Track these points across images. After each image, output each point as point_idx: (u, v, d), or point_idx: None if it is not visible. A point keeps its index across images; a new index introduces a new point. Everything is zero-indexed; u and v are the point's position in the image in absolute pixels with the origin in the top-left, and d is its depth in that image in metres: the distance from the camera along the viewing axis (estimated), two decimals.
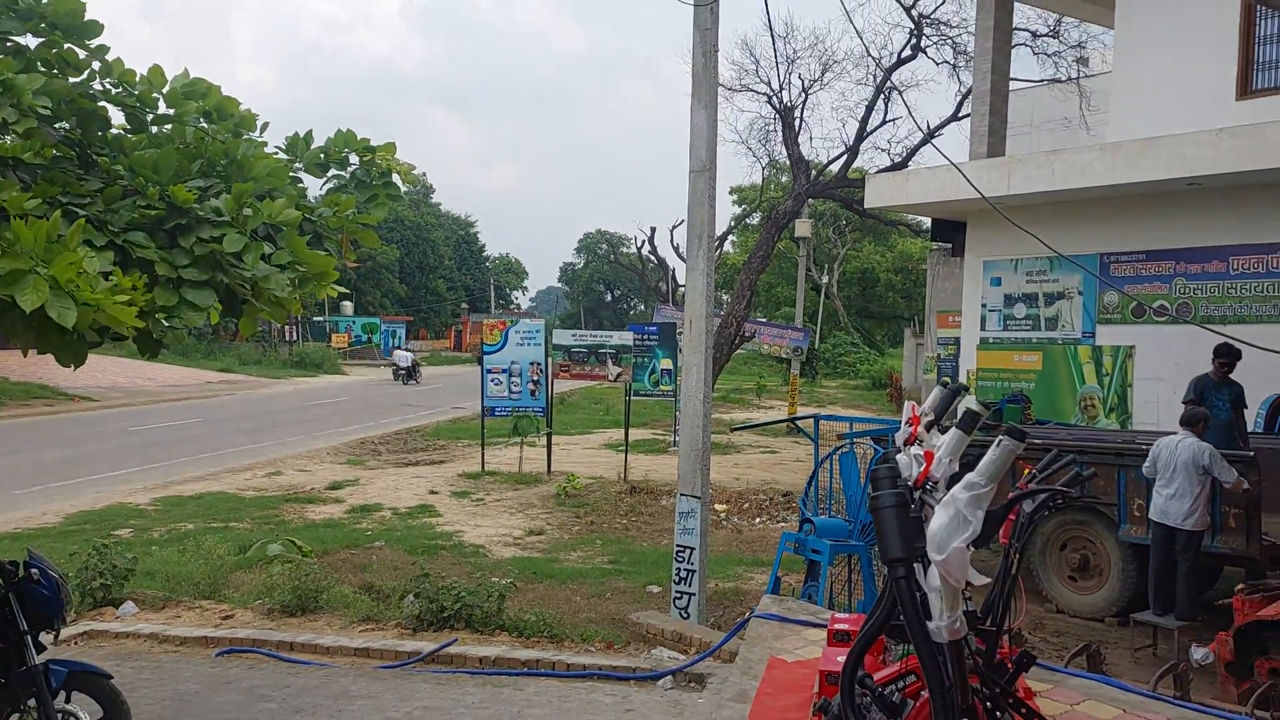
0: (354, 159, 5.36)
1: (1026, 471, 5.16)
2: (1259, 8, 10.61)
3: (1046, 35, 17.42)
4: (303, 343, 47.54)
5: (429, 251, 69.04)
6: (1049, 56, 17.65)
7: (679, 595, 7.27)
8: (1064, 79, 17.50)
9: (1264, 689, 5.27)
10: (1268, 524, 7.35)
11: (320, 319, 54.26)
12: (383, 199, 5.21)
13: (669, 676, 6.07)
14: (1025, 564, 8.49)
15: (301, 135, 5.33)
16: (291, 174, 5.16)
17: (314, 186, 5.46)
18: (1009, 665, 3.53)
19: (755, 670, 4.95)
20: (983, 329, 12.90)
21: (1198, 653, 5.95)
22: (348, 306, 57.53)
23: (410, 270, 67.07)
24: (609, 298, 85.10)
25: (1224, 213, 10.49)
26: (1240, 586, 6.34)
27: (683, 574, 7.25)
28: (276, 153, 5.17)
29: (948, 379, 4.01)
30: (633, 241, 54.46)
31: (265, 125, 5.08)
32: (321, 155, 5.29)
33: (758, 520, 12.37)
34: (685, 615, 7.22)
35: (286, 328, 46.81)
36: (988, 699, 3.06)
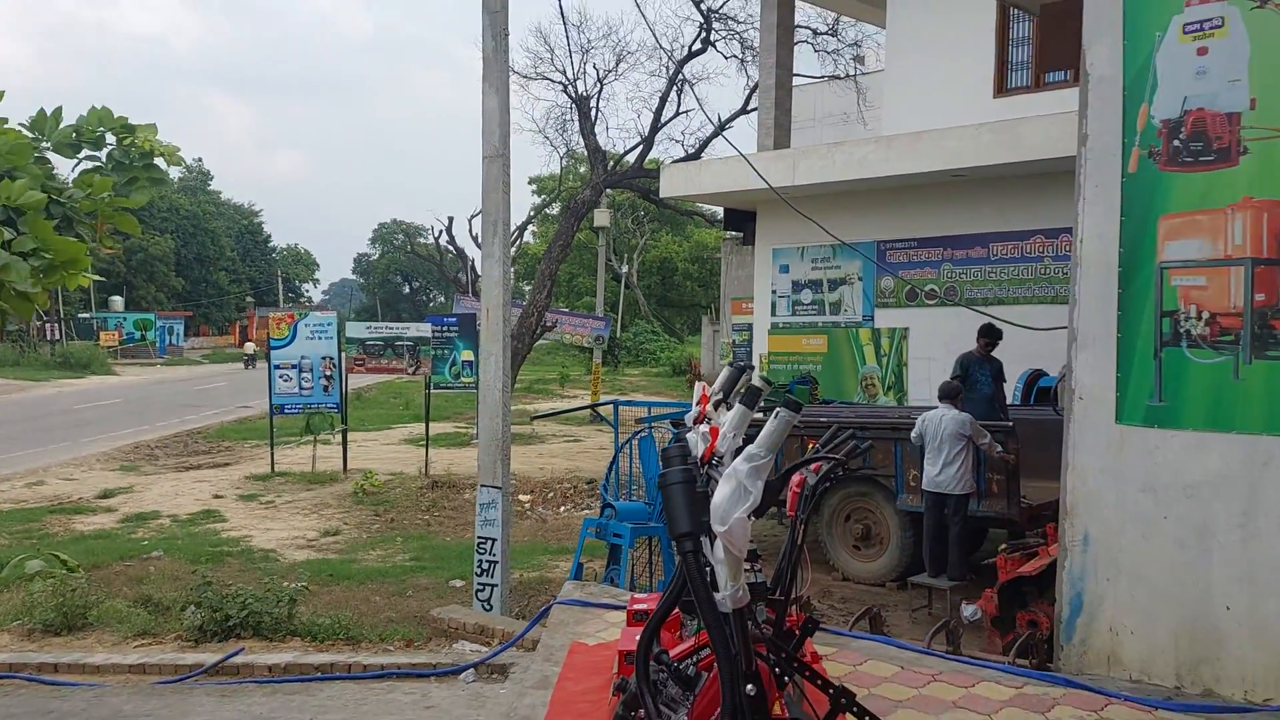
0: (111, 139, 4.94)
1: (810, 447, 5.39)
2: (1013, 11, 11.51)
3: (826, 33, 18.29)
4: (66, 341, 43.70)
5: (208, 242, 65.00)
6: (829, 54, 18.56)
7: (481, 587, 7.17)
8: (843, 76, 18.44)
9: (1024, 639, 5.74)
10: (1026, 488, 8.01)
11: (86, 315, 50.07)
12: (143, 182, 4.82)
13: (471, 670, 5.97)
14: (813, 536, 8.92)
15: (50, 112, 4.86)
16: (37, 153, 4.70)
17: (67, 169, 5.01)
18: (796, 632, 3.66)
19: (557, 656, 4.94)
20: (773, 314, 13.42)
21: (967, 609, 6.41)
22: (117, 302, 53.36)
23: (188, 262, 62.91)
24: (407, 289, 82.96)
25: (985, 202, 11.35)
26: (1003, 547, 6.89)
27: (485, 566, 7.15)
28: (20, 130, 4.69)
29: (742, 363, 4.18)
30: (430, 231, 53.25)
31: None
32: (74, 134, 4.84)
33: (562, 509, 12.39)
34: (488, 607, 7.13)
35: (48, 325, 42.93)
36: (775, 664, 3.16)
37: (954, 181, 11.29)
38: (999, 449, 7.69)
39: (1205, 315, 4.54)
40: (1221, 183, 4.48)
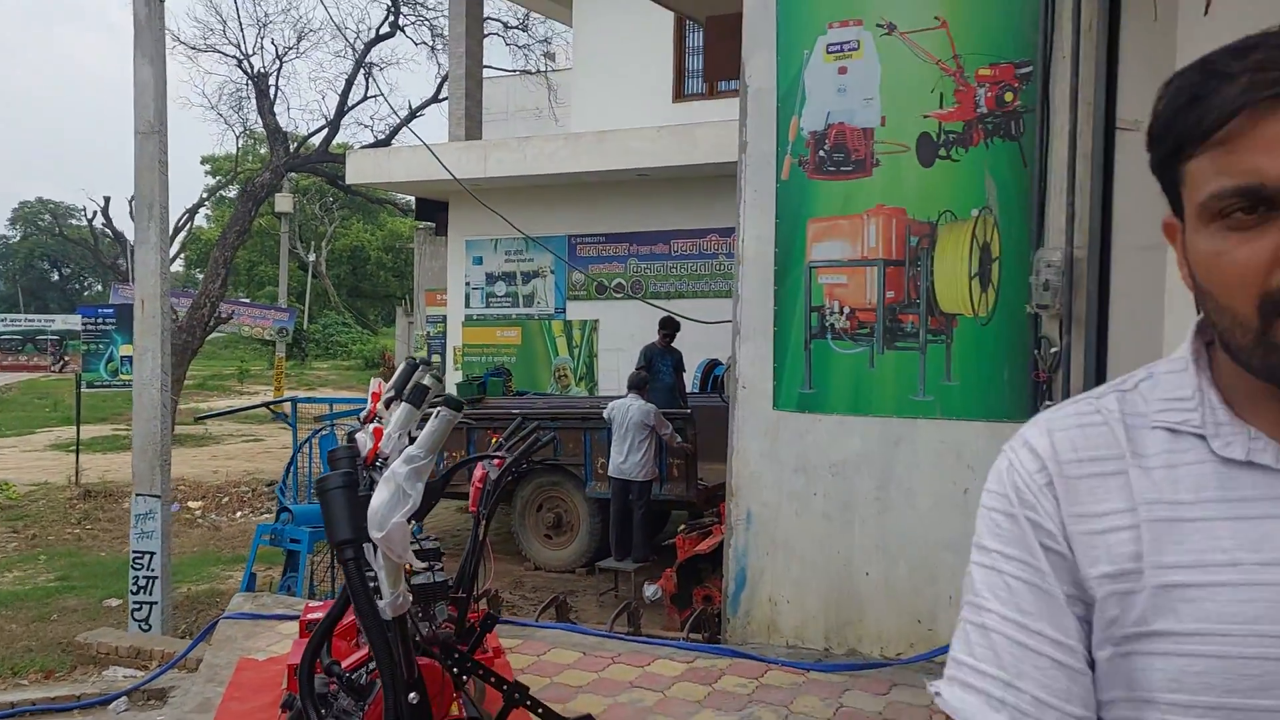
0: None
1: (495, 441, 5.38)
2: (689, 22, 12.13)
3: (516, 28, 18.38)
4: None
5: None
6: (520, 48, 18.65)
7: (138, 606, 6.53)
8: (534, 71, 18.61)
9: (697, 614, 6.08)
10: (704, 470, 8.51)
11: None
12: None
13: (123, 698, 5.43)
14: (506, 527, 8.97)
15: None
16: None
17: None
18: (478, 628, 3.64)
19: (222, 675, 4.60)
20: (467, 306, 13.32)
21: (649, 590, 6.70)
22: None
23: None
24: (56, 276, 73.99)
25: (667, 201, 11.90)
26: (683, 527, 7.27)
27: (142, 582, 6.52)
28: None
29: (416, 359, 4.09)
30: (83, 213, 47.75)
31: None
32: None
33: (238, 514, 11.58)
34: (147, 627, 6.51)
35: None
36: (452, 665, 3.12)
37: (639, 180, 11.74)
38: (679, 439, 8.10)
39: (846, 310, 5.02)
40: (859, 191, 4.97)
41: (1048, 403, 4.50)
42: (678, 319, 9.86)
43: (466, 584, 4.02)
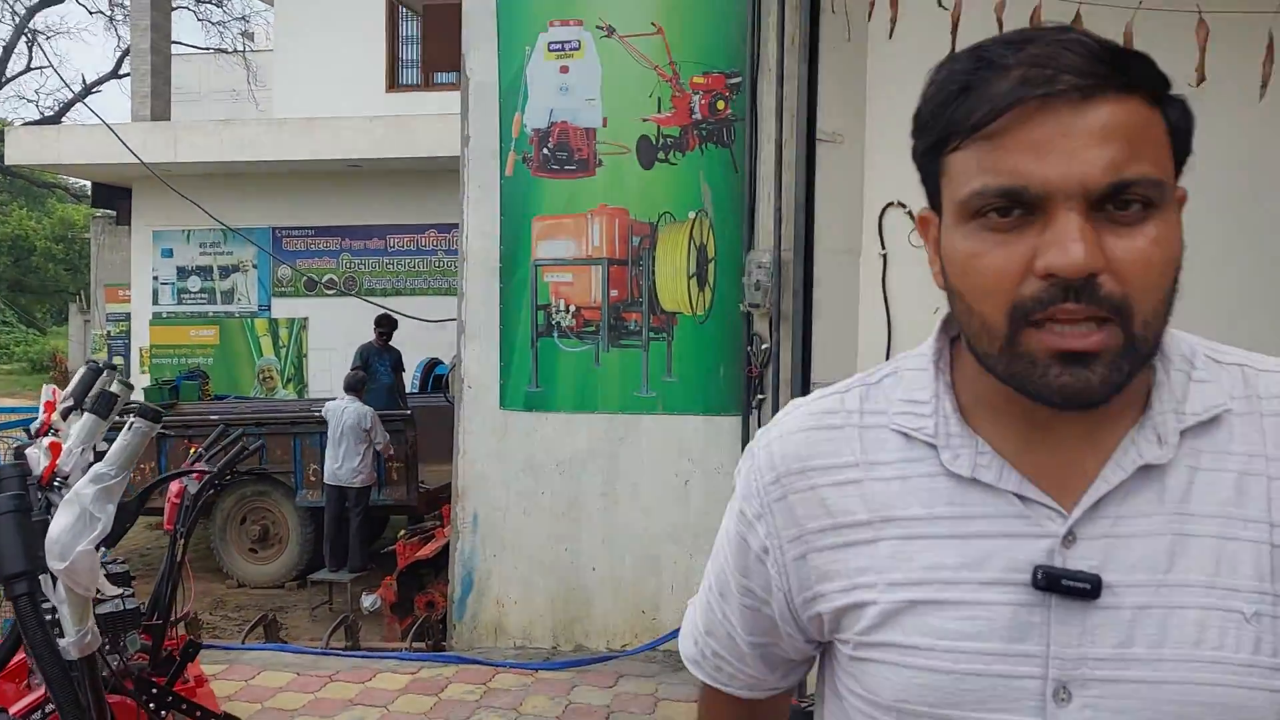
0: None
1: (193, 451, 4.93)
2: (401, 9, 11.77)
3: (210, 3, 17.07)
4: None
5: None
6: (215, 25, 17.35)
7: None
8: (230, 50, 17.36)
9: (420, 622, 5.90)
10: (424, 473, 8.28)
11: None
12: None
13: None
14: (205, 544, 8.27)
15: None
16: None
17: None
18: (177, 657, 3.31)
19: None
20: (156, 303, 12.20)
21: (367, 600, 6.43)
22: None
23: None
24: None
25: (382, 194, 11.48)
26: (403, 533, 7.03)
27: None
28: None
29: (99, 363, 3.59)
30: None
31: None
32: None
33: None
34: None
35: None
36: (148, 701, 2.81)
37: (351, 171, 11.25)
38: (392, 450, 7.84)
39: (572, 309, 5.04)
40: (583, 190, 5.00)
41: (760, 396, 4.76)
42: (395, 316, 9.54)
43: (163, 609, 3.65)
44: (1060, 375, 0.78)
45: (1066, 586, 0.81)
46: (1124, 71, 0.77)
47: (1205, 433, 0.85)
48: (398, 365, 9.60)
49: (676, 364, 4.95)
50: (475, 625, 5.29)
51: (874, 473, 0.90)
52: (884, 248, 4.60)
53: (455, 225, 5.05)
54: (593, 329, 5.05)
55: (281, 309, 12.08)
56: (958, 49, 2.84)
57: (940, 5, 3.48)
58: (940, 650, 0.85)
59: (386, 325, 9.45)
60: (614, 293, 5.00)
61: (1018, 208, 0.78)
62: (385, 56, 12.11)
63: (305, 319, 12.01)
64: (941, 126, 0.82)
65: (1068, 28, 0.80)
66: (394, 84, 12.36)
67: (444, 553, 6.09)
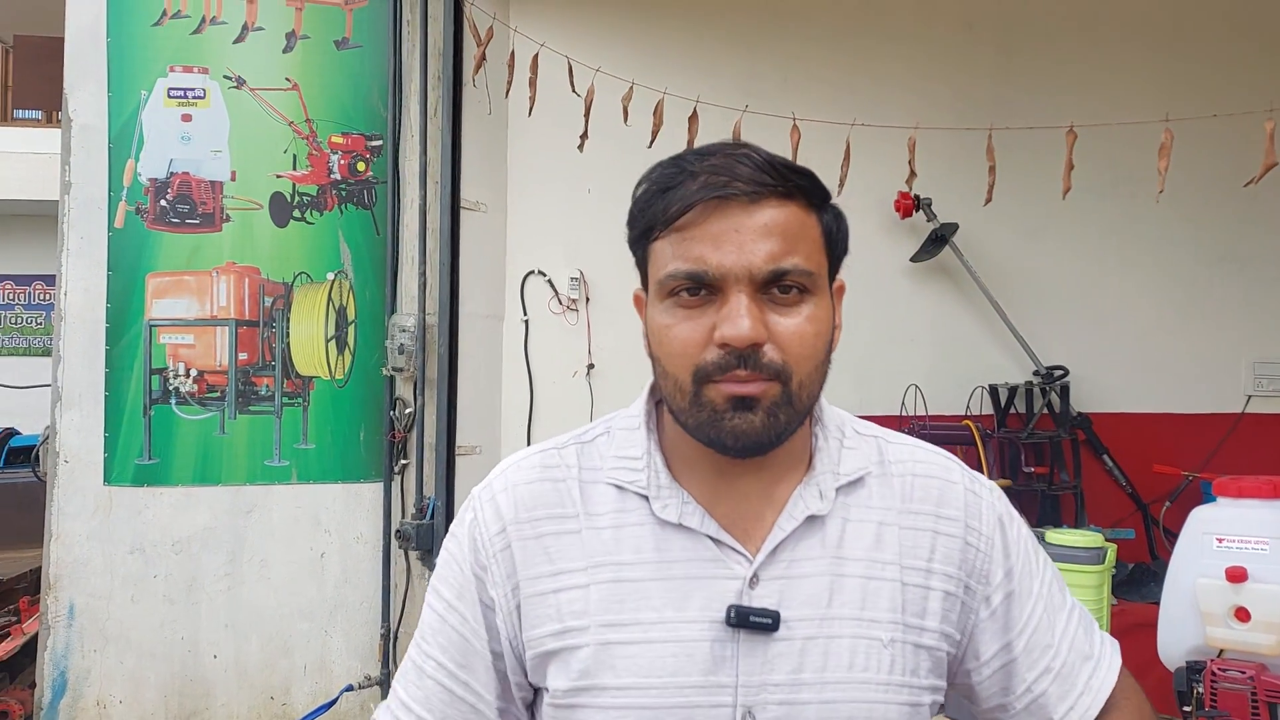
0: None
1: None
2: None
3: None
4: None
5: None
6: None
7: None
8: None
9: None
10: None
11: None
12: None
13: None
14: None
15: None
16: None
17: None
18: None
19: None
20: None
21: None
22: None
23: None
24: None
25: None
26: None
27: None
28: None
29: None
30: None
31: None
32: None
33: None
34: None
35: None
36: None
37: None
38: None
39: (194, 373, 4.66)
40: (208, 246, 4.68)
41: (404, 461, 4.69)
42: None
43: None
44: (732, 419, 0.92)
45: (754, 622, 0.94)
46: (784, 181, 0.95)
47: (853, 491, 1.03)
48: None
49: (313, 430, 4.74)
50: None
51: (591, 523, 1.00)
52: (526, 314, 4.76)
53: (38, 277, 4.50)
54: (217, 394, 4.69)
55: None
56: (589, 132, 3.09)
57: (574, 92, 3.73)
58: (648, 686, 0.94)
59: None
60: (243, 355, 4.70)
61: (703, 288, 0.94)
62: None
63: None
64: (647, 219, 0.97)
65: (745, 144, 0.98)
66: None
67: (22, 652, 5.26)
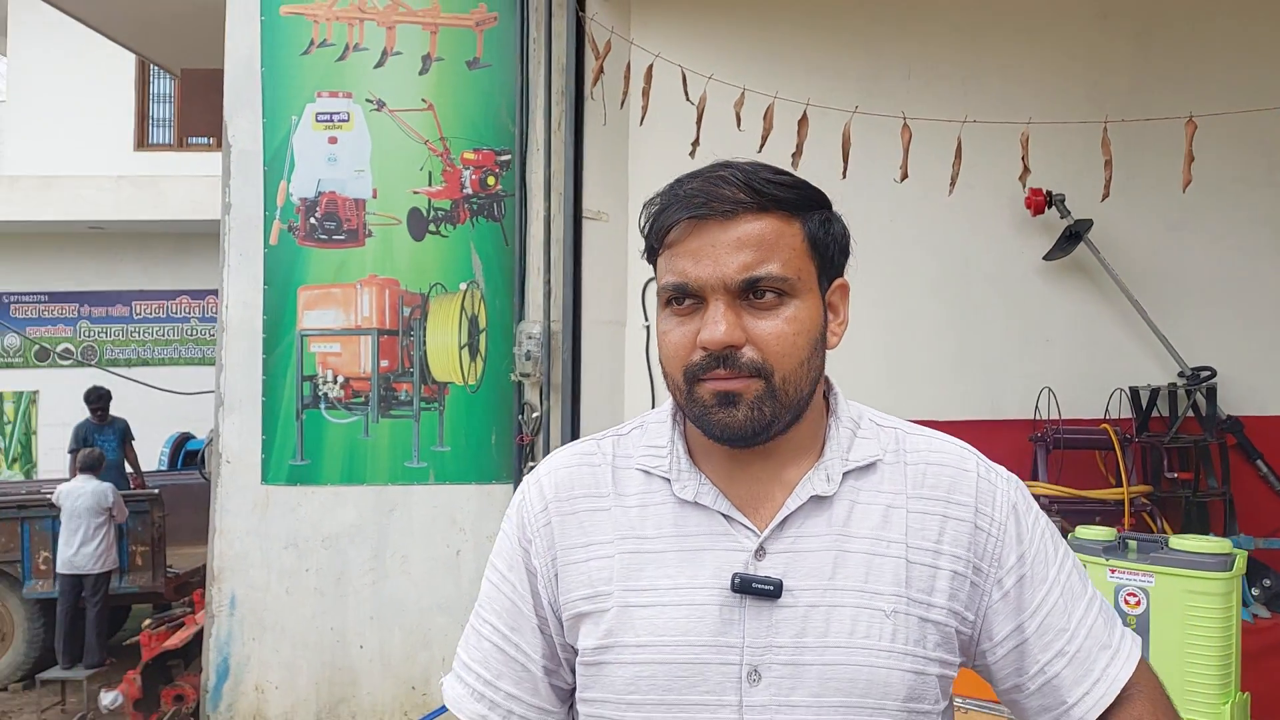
0: None
1: None
2: (154, 67, 11.25)
3: None
4: None
5: None
6: None
7: None
8: None
9: (168, 716, 5.48)
10: (174, 556, 7.72)
11: None
12: None
13: None
14: None
15: None
16: None
17: None
18: None
19: None
20: None
21: (106, 697, 5.89)
22: None
23: None
24: None
25: (127, 258, 10.79)
26: (147, 622, 6.51)
27: None
28: None
29: None
30: None
31: None
32: None
33: None
34: None
35: None
36: None
37: (93, 233, 10.53)
38: (125, 519, 7.25)
39: (340, 379, 4.97)
40: (352, 260, 4.98)
41: (531, 464, 4.86)
42: (105, 388, 8.71)
43: None
44: (718, 413, 1.04)
45: (756, 589, 1.04)
46: (759, 196, 1.04)
47: (863, 475, 1.12)
48: (125, 437, 8.78)
49: (448, 433, 4.97)
50: (232, 714, 4.99)
51: (620, 502, 1.12)
52: (647, 319, 4.86)
53: (210, 292, 4.90)
54: (361, 400, 4.99)
55: (8, 381, 11.01)
56: (705, 138, 3.15)
57: (688, 100, 3.80)
58: (662, 644, 1.05)
59: (97, 400, 8.60)
60: (384, 363, 4.98)
61: (689, 298, 1.05)
62: (135, 114, 11.49)
63: (35, 392, 10.99)
64: (650, 239, 1.10)
65: (729, 164, 1.08)
66: (144, 142, 11.73)
67: (195, 641, 5.71)
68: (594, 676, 1.09)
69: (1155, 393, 4.56)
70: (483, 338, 4.97)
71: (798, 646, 1.04)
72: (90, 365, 10.61)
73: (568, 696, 1.16)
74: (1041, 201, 4.66)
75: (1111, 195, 4.03)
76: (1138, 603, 2.49)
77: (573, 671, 1.14)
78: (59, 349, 10.85)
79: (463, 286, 4.98)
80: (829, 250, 1.10)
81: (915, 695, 1.05)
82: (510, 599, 1.15)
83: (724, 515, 1.08)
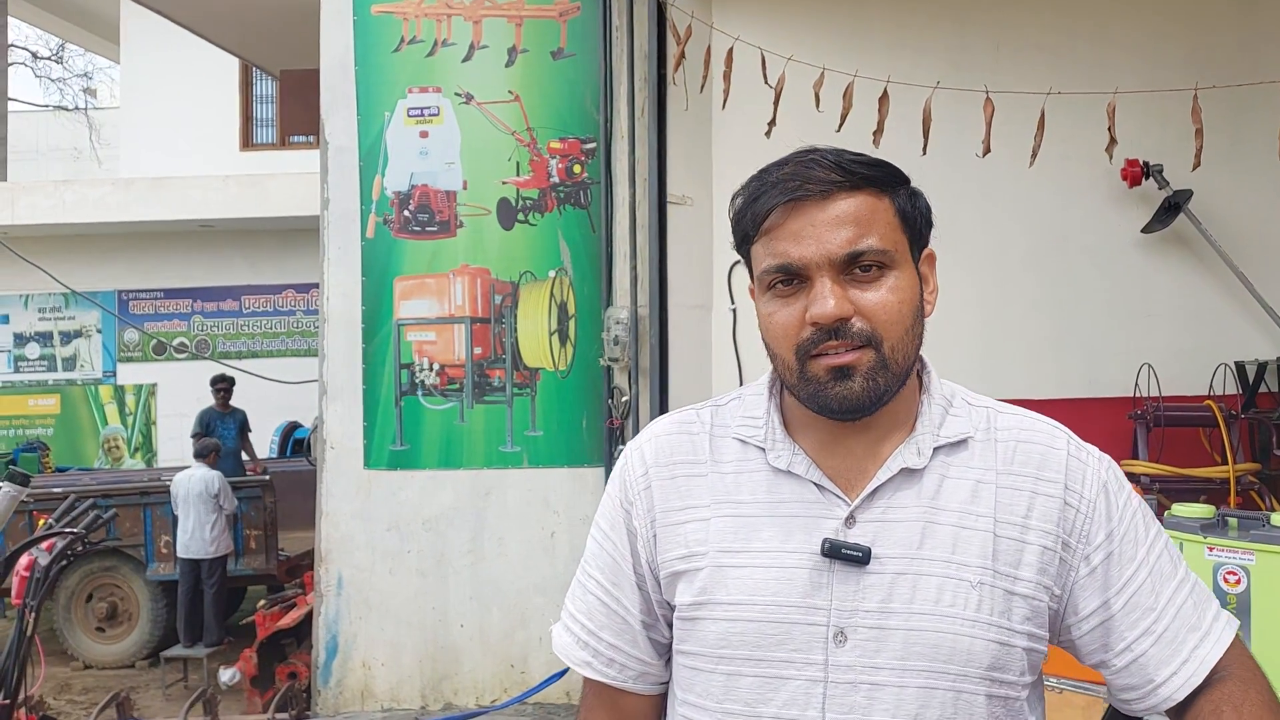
0: None
1: (43, 523, 4.76)
2: (254, 68, 11.67)
3: (49, 59, 16.44)
4: None
5: None
6: (54, 81, 16.70)
7: None
8: (71, 107, 16.74)
9: (283, 692, 5.75)
10: (285, 540, 8.07)
11: None
12: None
13: None
14: (47, 625, 7.81)
15: None
16: None
17: None
18: None
19: None
20: None
21: (225, 674, 6.21)
22: None
23: None
24: None
25: (236, 254, 11.25)
26: (262, 603, 6.83)
27: None
28: None
29: None
30: None
31: None
32: None
33: None
34: None
35: None
36: None
37: (202, 231, 11.00)
38: (236, 513, 7.59)
39: (436, 367, 5.13)
40: (445, 251, 5.12)
41: (621, 447, 4.93)
42: (230, 374, 9.17)
43: (9, 688, 3.53)
44: (834, 387, 1.08)
45: (845, 555, 1.09)
46: (851, 175, 1.09)
47: (954, 451, 1.15)
48: (244, 427, 9.22)
49: (540, 418, 5.09)
50: (341, 690, 5.22)
51: (718, 469, 1.18)
52: (734, 302, 4.88)
53: (313, 285, 5.10)
54: (456, 386, 5.13)
55: (128, 375, 11.61)
56: (786, 119, 3.15)
57: (766, 83, 3.80)
58: (753, 604, 1.11)
59: (224, 383, 9.04)
60: (477, 350, 5.12)
61: (793, 279, 1.09)
62: (239, 115, 11.96)
63: (154, 384, 11.57)
64: (743, 228, 1.14)
65: (815, 149, 1.12)
66: (248, 142, 12.20)
67: (306, 621, 5.97)
68: (689, 630, 1.15)
69: (1263, 367, 4.39)
70: (572, 324, 5.07)
71: (884, 612, 1.08)
72: (204, 358, 11.11)
73: (665, 651, 1.22)
74: (1138, 173, 4.51)
75: (1214, 163, 3.89)
76: (1238, 581, 2.43)
77: (669, 627, 1.20)
78: (175, 343, 11.39)
79: (551, 274, 5.08)
80: (917, 223, 1.14)
81: (998, 665, 1.08)
82: (612, 556, 1.22)
83: (816, 484, 1.13)
